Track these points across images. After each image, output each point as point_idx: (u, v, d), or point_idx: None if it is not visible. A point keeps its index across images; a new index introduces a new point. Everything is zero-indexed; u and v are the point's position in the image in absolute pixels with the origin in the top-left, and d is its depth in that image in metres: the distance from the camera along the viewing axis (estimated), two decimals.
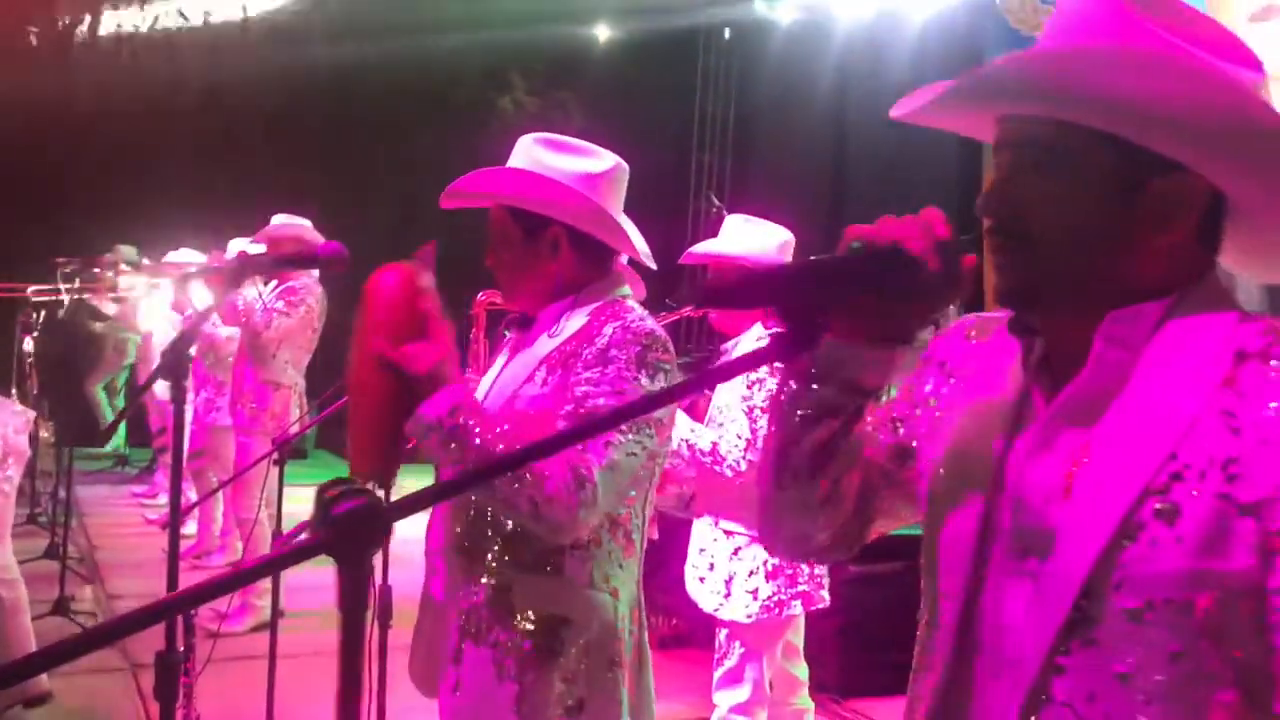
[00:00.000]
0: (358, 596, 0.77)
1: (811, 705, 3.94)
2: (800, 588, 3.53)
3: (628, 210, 2.35)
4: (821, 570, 3.57)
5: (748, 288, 1.13)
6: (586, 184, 2.16)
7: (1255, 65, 1.13)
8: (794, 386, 1.25)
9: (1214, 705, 1.04)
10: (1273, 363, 1.06)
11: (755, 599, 3.50)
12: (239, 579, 0.75)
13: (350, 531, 0.78)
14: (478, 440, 1.90)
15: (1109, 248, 1.12)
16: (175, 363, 2.24)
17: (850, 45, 9.75)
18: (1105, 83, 1.05)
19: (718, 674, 3.69)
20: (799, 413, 1.25)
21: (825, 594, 3.63)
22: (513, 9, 10.99)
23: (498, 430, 1.93)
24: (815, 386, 1.22)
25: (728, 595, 3.55)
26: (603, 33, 12.10)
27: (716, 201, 10.74)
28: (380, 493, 2.07)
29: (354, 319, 2.04)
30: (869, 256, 1.12)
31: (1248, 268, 1.23)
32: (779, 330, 1.10)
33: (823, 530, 1.34)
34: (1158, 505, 1.05)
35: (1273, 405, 1.03)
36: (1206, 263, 1.16)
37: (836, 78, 9.72)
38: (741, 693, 3.60)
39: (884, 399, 1.36)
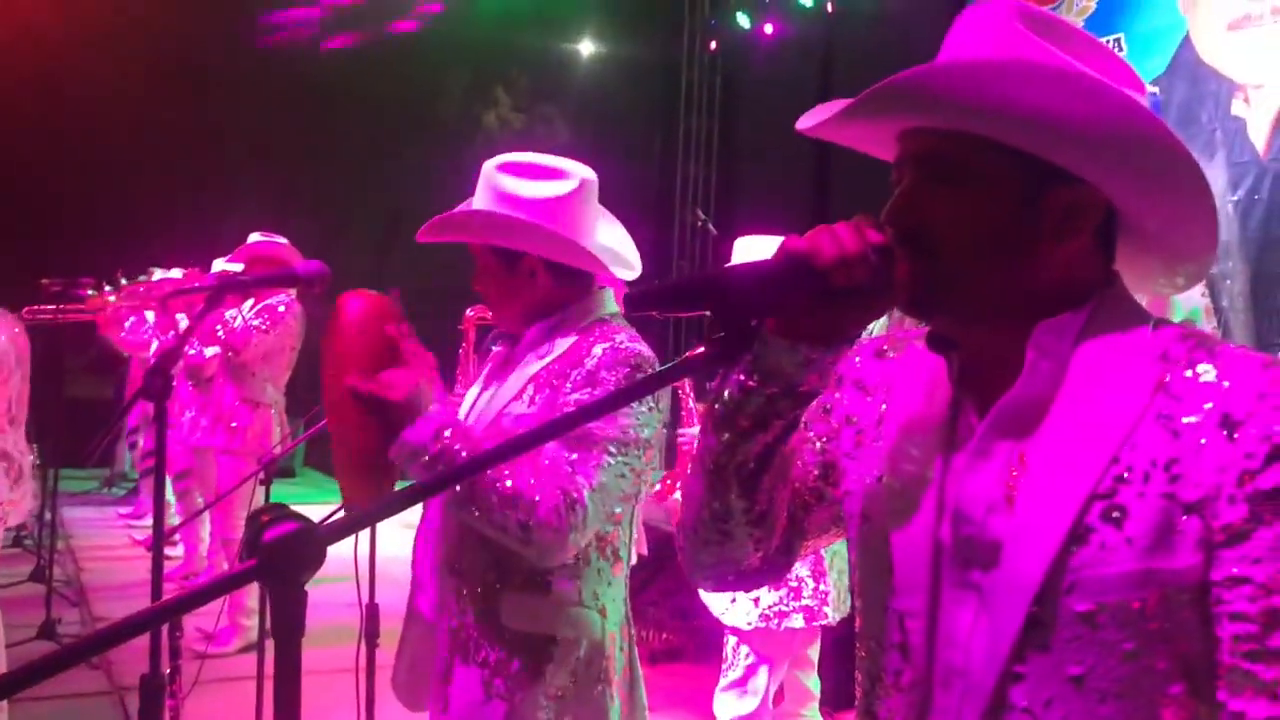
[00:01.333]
0: (291, 620, 0.77)
1: (820, 718, 3.92)
2: (804, 602, 3.51)
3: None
4: (827, 586, 3.54)
5: (678, 293, 1.13)
6: (552, 211, 2.15)
7: (1139, 86, 1.17)
8: (731, 393, 1.23)
9: (1165, 699, 1.06)
10: (1201, 367, 1.08)
11: (756, 606, 3.50)
12: (167, 611, 0.74)
13: (281, 556, 0.78)
14: (462, 462, 1.91)
15: (1011, 257, 1.14)
16: (157, 384, 2.24)
17: (834, 57, 9.81)
18: (1006, 96, 1.07)
19: (722, 682, 3.67)
20: (737, 421, 1.23)
21: (830, 611, 3.56)
22: (497, 25, 11.02)
23: (482, 450, 1.93)
24: (754, 388, 1.20)
25: (733, 600, 3.54)
26: (587, 48, 12.13)
27: (702, 215, 10.78)
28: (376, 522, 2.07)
29: (324, 344, 2.04)
30: (784, 264, 1.12)
31: (1126, 278, 1.25)
32: (715, 335, 1.10)
33: (755, 551, 1.32)
34: (1105, 508, 1.07)
35: (1206, 407, 1.06)
36: (1110, 271, 1.19)
37: (820, 90, 9.78)
38: (746, 703, 3.59)
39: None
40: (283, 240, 5.69)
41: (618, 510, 2.12)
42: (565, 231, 2.15)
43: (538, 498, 1.91)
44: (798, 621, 3.51)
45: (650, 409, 2.07)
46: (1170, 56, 6.54)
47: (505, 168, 2.21)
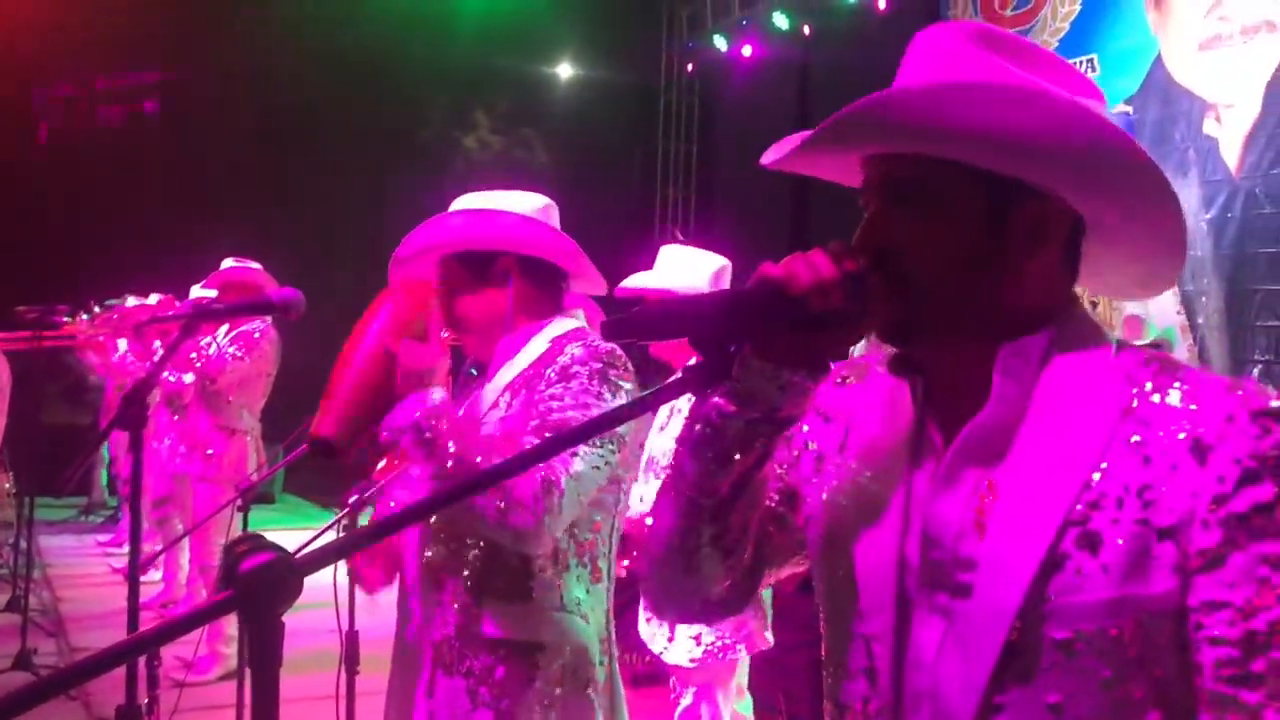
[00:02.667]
0: (267, 652, 0.76)
1: None
2: (744, 631, 3.52)
3: (593, 244, 2.38)
4: (764, 613, 3.56)
5: (657, 320, 1.13)
6: (530, 214, 2.24)
7: (1098, 95, 1.18)
8: (710, 418, 1.22)
9: None
10: (1169, 391, 1.08)
11: (698, 644, 3.50)
12: (144, 644, 0.74)
13: (258, 587, 0.77)
14: (445, 446, 1.93)
15: (982, 277, 1.14)
16: (132, 412, 2.23)
17: (811, 79, 9.87)
18: (961, 116, 1.07)
19: (676, 714, 3.69)
20: (714, 448, 1.23)
21: (769, 634, 3.61)
22: (476, 49, 11.05)
23: (469, 441, 1.97)
24: (733, 414, 1.20)
25: (671, 639, 3.55)
26: (565, 71, 12.18)
27: (680, 237, 10.80)
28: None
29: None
30: (761, 291, 1.13)
31: (1098, 287, 1.26)
32: (693, 362, 1.11)
33: (723, 581, 1.31)
34: (1079, 534, 1.06)
35: (1177, 434, 1.06)
36: (1070, 289, 1.20)
37: (798, 112, 9.83)
38: None
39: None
40: (256, 265, 5.67)
41: (597, 518, 2.15)
42: (546, 229, 2.22)
43: (514, 480, 1.92)
44: (741, 652, 3.54)
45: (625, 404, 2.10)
46: (1143, 77, 6.62)
47: (473, 192, 2.27)
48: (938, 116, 1.08)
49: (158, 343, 5.75)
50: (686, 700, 3.63)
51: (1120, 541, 1.04)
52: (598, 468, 2.04)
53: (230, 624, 5.30)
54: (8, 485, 7.62)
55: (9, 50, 9.16)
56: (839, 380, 1.35)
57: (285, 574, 0.78)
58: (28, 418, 7.75)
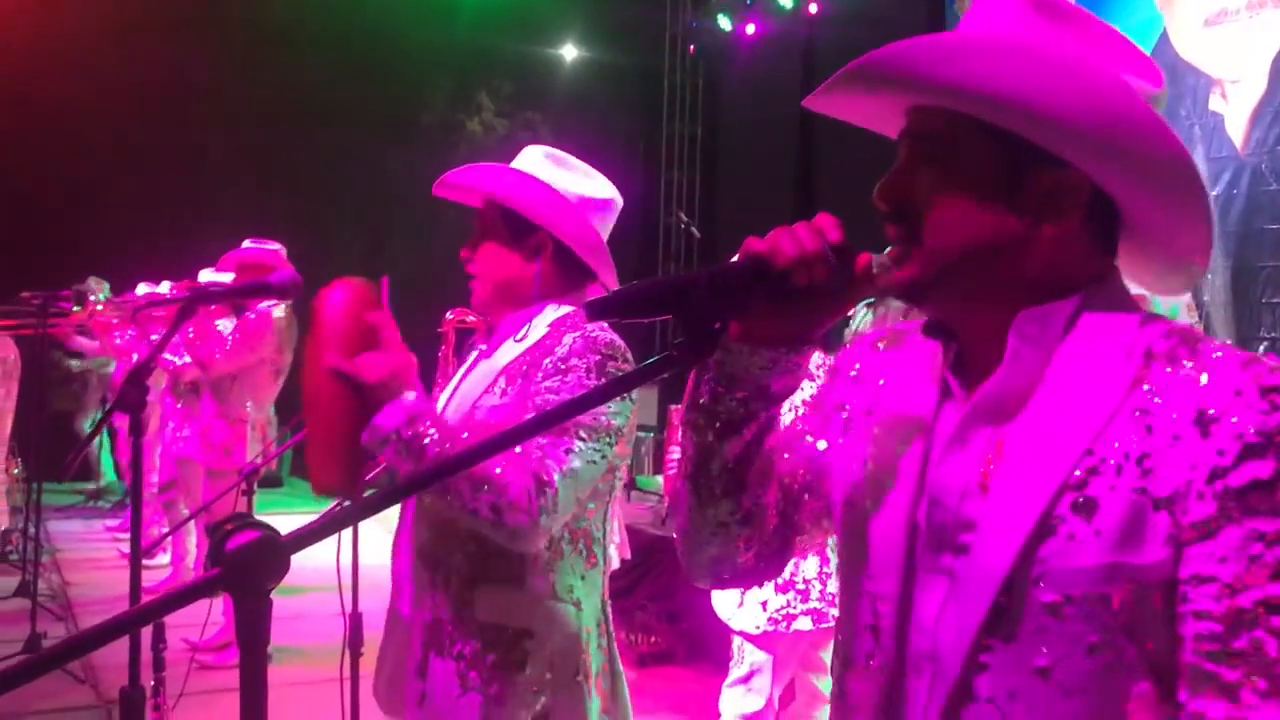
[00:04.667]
0: (255, 631, 0.76)
1: None
2: (811, 604, 3.51)
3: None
4: (835, 590, 3.53)
5: (640, 298, 1.12)
6: (584, 205, 2.19)
7: (1155, 79, 1.15)
8: (703, 397, 1.25)
9: (1131, 696, 1.05)
10: (1184, 364, 1.07)
11: (764, 610, 3.49)
12: (131, 621, 0.74)
13: (244, 566, 0.77)
14: (434, 451, 1.91)
15: (994, 239, 1.13)
16: (132, 396, 2.23)
17: (816, 58, 9.82)
18: (983, 74, 1.06)
19: (728, 680, 3.66)
20: (712, 425, 1.25)
21: (837, 612, 3.56)
22: (479, 31, 11.02)
23: (455, 440, 1.94)
24: (723, 392, 1.22)
25: (740, 605, 3.54)
26: (569, 53, 12.13)
27: (685, 218, 10.79)
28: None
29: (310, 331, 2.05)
30: (744, 265, 1.13)
31: (1140, 281, 1.24)
32: (680, 340, 1.11)
33: (746, 550, 1.33)
34: (1075, 500, 1.06)
35: (1183, 404, 1.05)
36: (1106, 263, 1.18)
37: (804, 90, 9.77)
38: (751, 701, 3.58)
39: (793, 412, 1.36)
40: (274, 246, 5.66)
41: (591, 506, 2.14)
42: (590, 229, 2.18)
43: (508, 480, 1.91)
44: (805, 624, 3.50)
45: (623, 397, 2.09)
46: (1148, 53, 6.57)
47: (551, 156, 2.23)
48: (953, 71, 1.08)
49: (156, 337, 5.75)
50: (741, 670, 3.61)
51: (1116, 509, 1.04)
52: (594, 463, 2.01)
53: None
54: (16, 471, 7.66)
55: (6, 35, 9.15)
56: (876, 345, 1.35)
57: (272, 551, 0.78)
58: (34, 404, 7.79)
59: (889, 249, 1.17)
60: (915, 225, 1.15)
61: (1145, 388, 1.07)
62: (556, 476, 1.94)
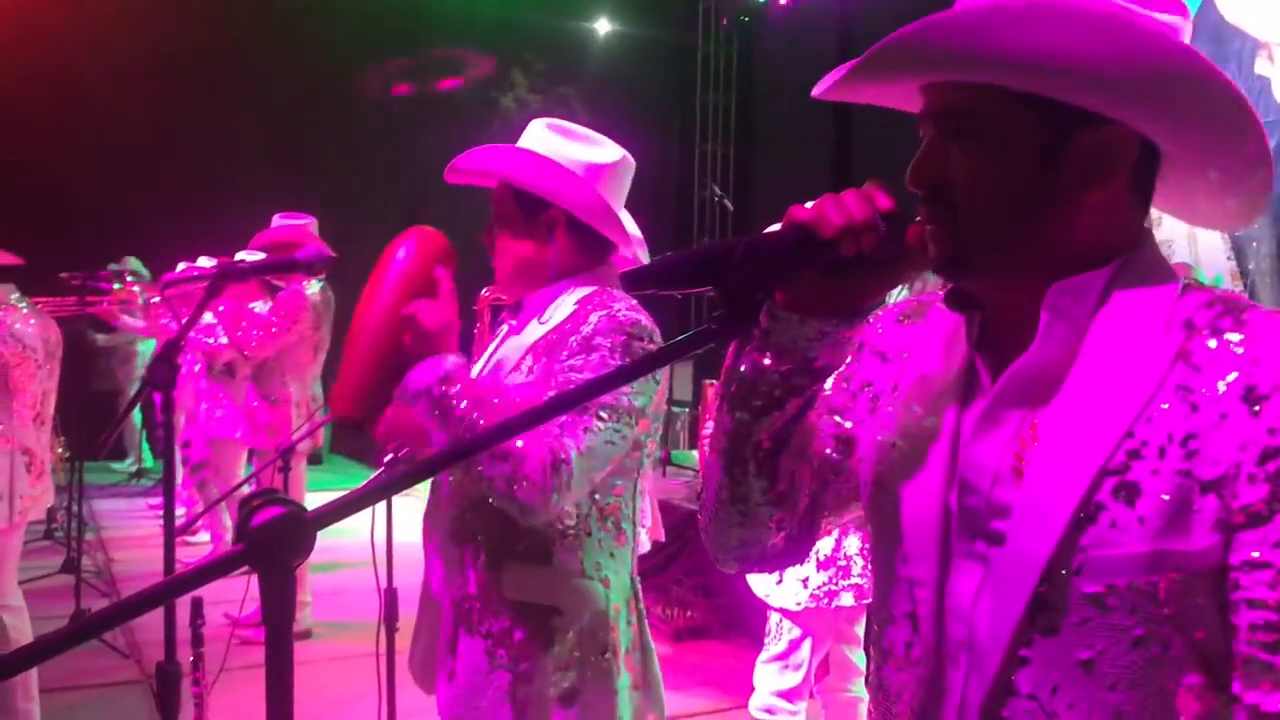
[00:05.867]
0: (281, 605, 0.75)
1: (866, 695, 3.87)
2: (854, 580, 3.48)
3: (632, 204, 2.34)
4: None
5: (678, 269, 1.08)
6: (591, 174, 2.15)
7: (1180, 8, 1.09)
8: (744, 371, 1.20)
9: (1180, 690, 1.01)
10: (1226, 336, 1.02)
11: (805, 587, 3.47)
12: (155, 597, 0.73)
13: (269, 541, 0.76)
14: (460, 414, 1.91)
15: (1037, 210, 1.07)
16: (162, 374, 2.23)
17: (852, 26, 9.71)
18: (1017, 40, 1.01)
19: (763, 656, 3.64)
20: (752, 400, 1.20)
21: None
22: (512, 6, 10.98)
23: (484, 406, 1.94)
24: (767, 365, 1.17)
25: (779, 582, 3.52)
26: (603, 27, 12.07)
27: (719, 192, 10.74)
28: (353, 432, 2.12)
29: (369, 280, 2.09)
30: (789, 235, 1.09)
31: (1177, 213, 1.18)
32: (719, 312, 1.07)
33: (777, 531, 1.28)
34: (1116, 484, 1.01)
35: (1229, 378, 1.00)
36: (1140, 224, 1.12)
37: (838, 61, 9.67)
38: (788, 678, 3.57)
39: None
40: (305, 220, 5.66)
41: (619, 483, 2.12)
42: (602, 194, 2.14)
43: (526, 454, 1.90)
44: (848, 600, 3.47)
45: (646, 378, 2.05)
46: (1191, 16, 6.44)
47: (555, 127, 2.20)
48: (985, 41, 1.02)
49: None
50: (779, 646, 3.59)
51: (1160, 493, 0.99)
52: (612, 443, 1.99)
53: (301, 591, 5.39)
54: (60, 450, 7.76)
55: (40, 14, 9.21)
56: (900, 318, 1.30)
57: (297, 527, 0.77)
58: (76, 383, 7.88)
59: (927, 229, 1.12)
60: (950, 203, 1.09)
61: (1187, 363, 1.02)
62: (573, 455, 1.93)
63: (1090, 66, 1.00)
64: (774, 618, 3.64)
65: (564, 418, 1.96)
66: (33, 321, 4.07)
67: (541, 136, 2.20)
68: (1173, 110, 1.04)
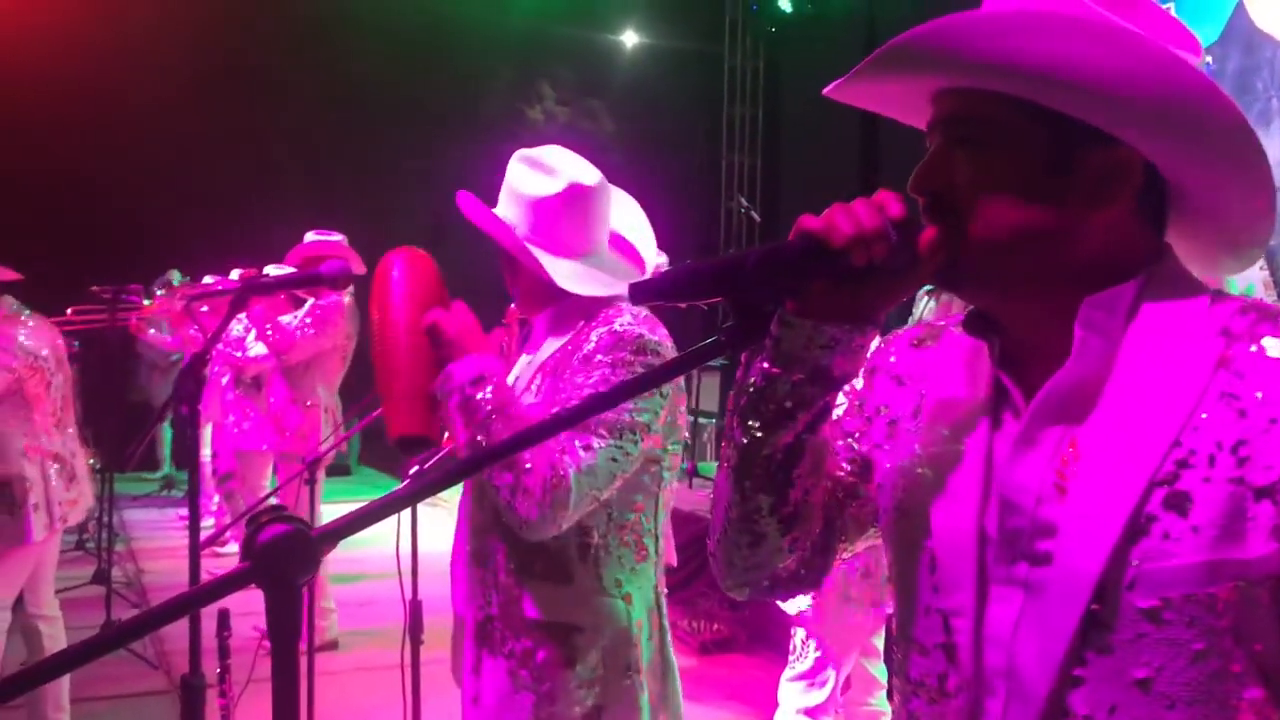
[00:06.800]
0: (287, 623, 0.75)
1: (889, 709, 3.85)
2: (868, 585, 3.47)
3: (658, 214, 2.35)
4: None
5: (687, 281, 1.07)
6: (535, 210, 2.15)
7: (1194, 48, 1.08)
8: (754, 381, 1.17)
9: (1242, 704, 0.98)
10: (1269, 340, 1.00)
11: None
12: (170, 611, 0.73)
13: (274, 559, 0.76)
14: (481, 417, 1.94)
15: (1040, 223, 1.06)
16: (188, 386, 2.26)
17: (878, 37, 9.68)
18: (1024, 49, 1.00)
19: (789, 673, 3.62)
20: (762, 412, 1.17)
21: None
22: (539, 19, 11.03)
23: (504, 415, 1.95)
24: (777, 375, 1.14)
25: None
26: (630, 39, 12.10)
27: (745, 202, 10.73)
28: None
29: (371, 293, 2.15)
30: (799, 245, 1.07)
31: (1193, 265, 1.15)
32: (729, 324, 1.06)
33: (789, 553, 1.24)
34: (1167, 495, 0.98)
35: (1275, 385, 0.98)
36: (1157, 243, 1.10)
37: None
38: (814, 696, 3.55)
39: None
40: (338, 237, 5.72)
41: (638, 499, 2.12)
42: (541, 231, 2.14)
43: (529, 465, 1.92)
44: (869, 612, 3.47)
45: (652, 393, 2.04)
46: (1223, 24, 6.38)
47: (523, 159, 2.21)
48: (997, 48, 1.01)
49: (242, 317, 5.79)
50: (805, 664, 3.56)
51: (1212, 502, 0.97)
52: (614, 459, 1.98)
53: (323, 598, 5.42)
54: (91, 461, 7.83)
55: (75, 29, 9.32)
56: (913, 343, 1.28)
57: (302, 545, 0.77)
58: (109, 395, 7.96)
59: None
60: (954, 212, 1.08)
61: (1230, 370, 1.00)
62: (571, 473, 1.92)
63: (1098, 81, 0.99)
64: (798, 635, 3.62)
65: (565, 435, 1.97)
66: (42, 333, 4.08)
67: (510, 172, 2.22)
68: (1182, 138, 1.03)
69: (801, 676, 3.58)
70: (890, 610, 3.49)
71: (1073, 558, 1.01)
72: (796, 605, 3.52)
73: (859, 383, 1.29)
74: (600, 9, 11.71)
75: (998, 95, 1.05)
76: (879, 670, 3.76)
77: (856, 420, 1.29)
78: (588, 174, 2.17)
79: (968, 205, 1.07)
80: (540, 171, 2.17)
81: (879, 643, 3.73)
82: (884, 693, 3.77)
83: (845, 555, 1.32)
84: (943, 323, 1.27)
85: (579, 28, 11.62)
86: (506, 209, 2.19)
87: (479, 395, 1.95)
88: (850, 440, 1.28)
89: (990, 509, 1.09)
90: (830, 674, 3.54)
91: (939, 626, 1.12)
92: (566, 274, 2.13)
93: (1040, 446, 1.07)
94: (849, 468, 1.27)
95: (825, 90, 1.18)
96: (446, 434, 2.43)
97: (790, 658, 3.64)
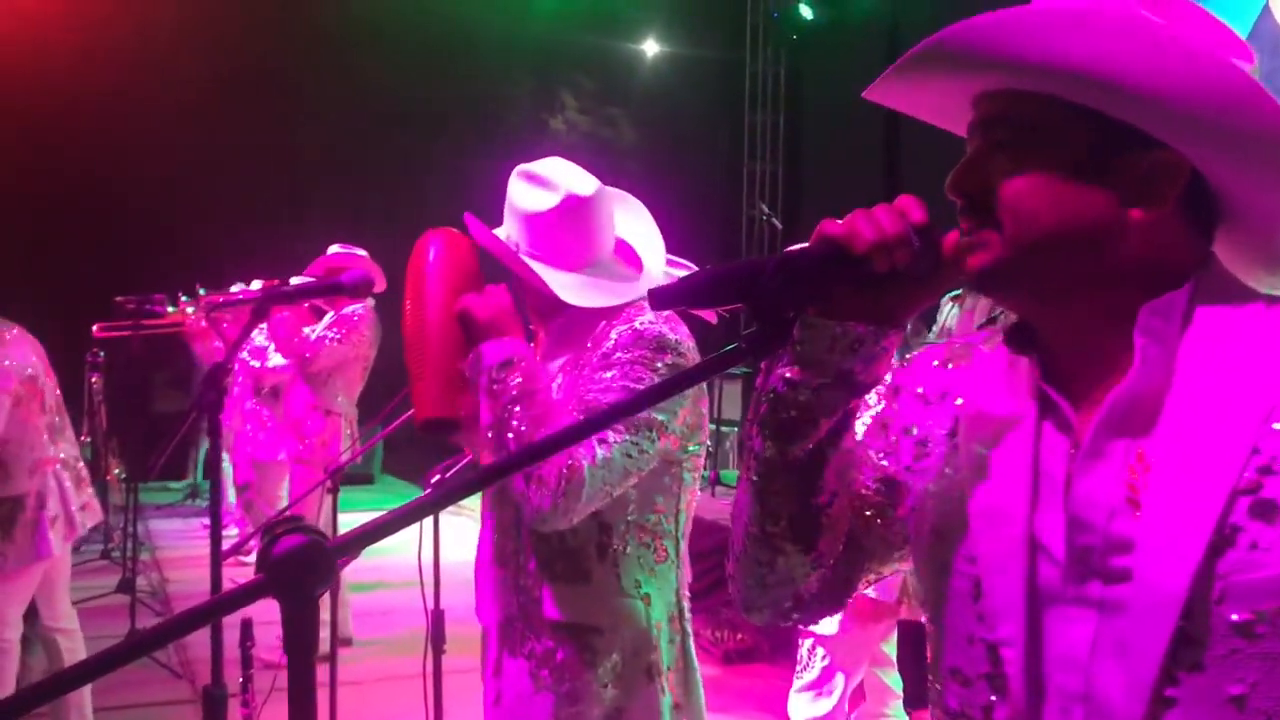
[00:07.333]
0: (303, 635, 0.75)
1: (905, 718, 3.83)
2: (886, 590, 3.44)
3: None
4: (903, 581, 3.44)
5: (707, 286, 1.06)
6: (531, 225, 2.17)
7: (1245, 54, 1.04)
8: (775, 388, 1.15)
9: None
10: None
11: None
12: (183, 625, 0.73)
13: (290, 571, 0.75)
14: (505, 403, 1.95)
15: (1083, 225, 1.03)
16: (209, 396, 2.26)
17: (900, 44, 9.66)
18: (1072, 49, 0.97)
19: (797, 684, 3.61)
20: (783, 420, 1.15)
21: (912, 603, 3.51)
22: (559, 29, 11.06)
23: (535, 397, 1.96)
24: (799, 381, 1.12)
25: None
26: (651, 47, 12.11)
27: (766, 210, 10.71)
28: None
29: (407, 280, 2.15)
30: (820, 251, 1.06)
31: (1241, 272, 1.11)
32: (749, 330, 1.04)
33: (811, 570, 1.21)
34: (1251, 504, 0.95)
35: None
36: (1202, 246, 1.07)
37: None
38: (821, 705, 3.53)
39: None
40: (361, 252, 5.74)
41: (659, 500, 2.11)
42: (540, 245, 2.16)
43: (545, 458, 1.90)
44: (870, 592, 3.44)
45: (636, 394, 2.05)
46: (1250, 26, 6.33)
47: (522, 174, 2.22)
48: (1040, 46, 0.98)
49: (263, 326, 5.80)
50: (812, 674, 3.55)
51: None
52: (630, 455, 1.98)
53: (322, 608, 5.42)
54: (117, 471, 7.88)
55: (102, 44, 9.40)
56: (940, 363, 1.24)
57: (318, 556, 0.76)
58: (136, 406, 8.01)
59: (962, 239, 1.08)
60: (993, 215, 1.05)
61: None
62: (585, 465, 1.92)
63: (1149, 85, 0.97)
64: (805, 646, 3.60)
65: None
66: (23, 345, 3.98)
67: (510, 188, 2.23)
68: (1230, 145, 1.00)
69: (809, 687, 3.57)
70: (902, 617, 3.47)
71: (1155, 573, 0.97)
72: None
73: (878, 401, 1.26)
74: (621, 18, 11.73)
75: (1039, 96, 1.03)
76: (893, 680, 3.74)
77: (881, 440, 1.26)
78: (584, 184, 2.17)
79: (1004, 207, 1.05)
80: (537, 186, 2.18)
81: (891, 650, 3.70)
82: (899, 702, 3.75)
83: (872, 578, 1.29)
84: (966, 341, 1.25)
85: (600, 37, 11.64)
86: (508, 226, 2.22)
87: (508, 379, 1.96)
88: (876, 458, 1.25)
89: (1046, 527, 1.05)
90: (839, 682, 3.52)
91: (983, 656, 1.08)
92: (567, 286, 2.13)
93: (1107, 460, 1.03)
94: (875, 486, 1.24)
95: (864, 92, 1.16)
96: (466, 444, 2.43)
97: (797, 668, 3.63)
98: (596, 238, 2.20)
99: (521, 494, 1.94)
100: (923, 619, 2.82)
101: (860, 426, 1.25)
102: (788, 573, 1.22)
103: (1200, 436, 0.98)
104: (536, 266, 2.13)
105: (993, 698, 1.08)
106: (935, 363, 1.25)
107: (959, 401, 1.19)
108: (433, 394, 2.08)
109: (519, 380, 1.96)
